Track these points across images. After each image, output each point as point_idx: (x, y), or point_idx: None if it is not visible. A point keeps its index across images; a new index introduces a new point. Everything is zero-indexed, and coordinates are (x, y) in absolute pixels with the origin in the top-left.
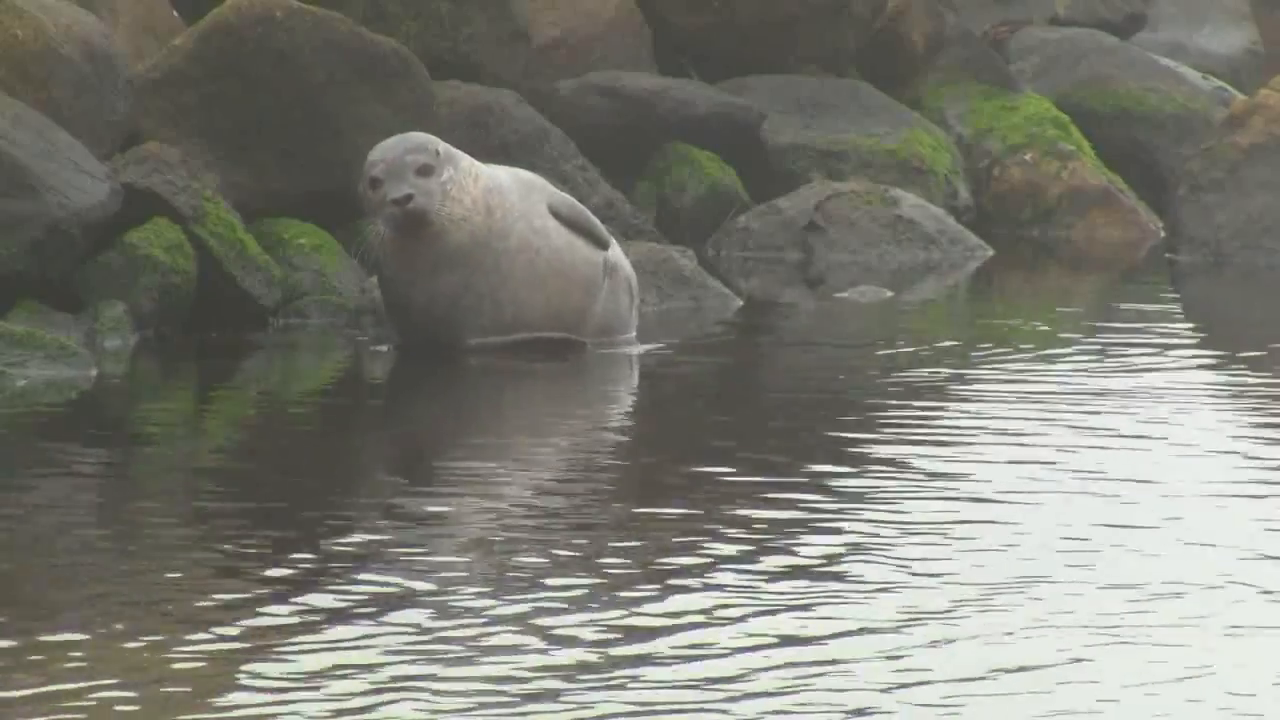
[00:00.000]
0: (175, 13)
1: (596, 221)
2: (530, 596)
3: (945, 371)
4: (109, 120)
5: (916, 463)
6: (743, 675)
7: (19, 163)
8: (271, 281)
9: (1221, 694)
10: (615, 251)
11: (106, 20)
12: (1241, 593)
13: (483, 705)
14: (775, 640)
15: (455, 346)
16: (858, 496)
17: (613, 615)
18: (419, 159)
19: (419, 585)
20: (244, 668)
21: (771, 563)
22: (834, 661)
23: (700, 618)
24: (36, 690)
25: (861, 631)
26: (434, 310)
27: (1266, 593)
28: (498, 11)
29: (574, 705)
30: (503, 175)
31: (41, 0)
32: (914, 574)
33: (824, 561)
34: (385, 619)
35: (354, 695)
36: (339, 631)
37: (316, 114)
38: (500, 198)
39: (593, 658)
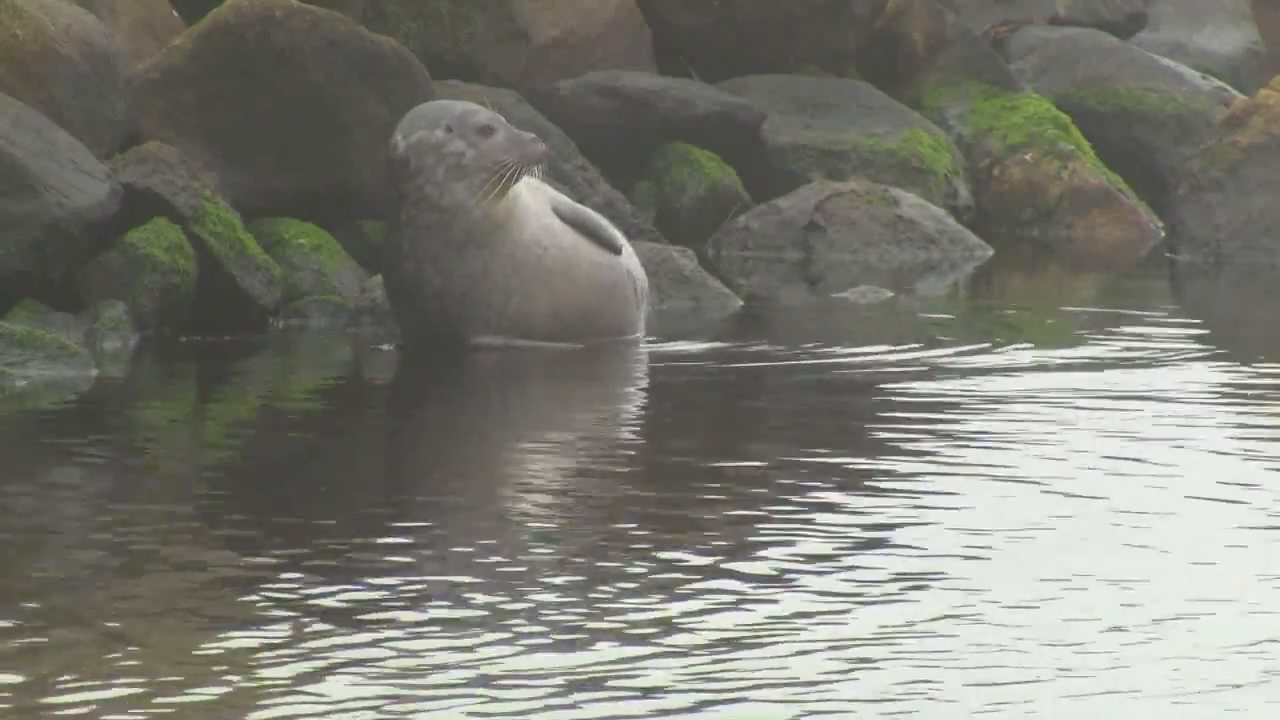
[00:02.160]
0: (175, 13)
1: (604, 223)
2: (540, 599)
3: (945, 371)
4: (109, 120)
5: (917, 462)
6: (759, 674)
7: (19, 163)
8: (271, 281)
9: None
10: (627, 256)
11: (106, 20)
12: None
13: (493, 711)
14: (805, 643)
15: (459, 342)
16: (860, 497)
17: (627, 617)
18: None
19: (422, 586)
20: (246, 668)
21: (785, 563)
22: (854, 662)
23: (721, 619)
24: (37, 690)
25: (880, 630)
26: (446, 299)
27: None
28: (498, 11)
29: (594, 710)
30: None
31: (41, 0)
32: (916, 571)
33: (832, 562)
34: (390, 620)
35: (359, 698)
36: (343, 632)
37: (316, 113)
38: (519, 186)
39: (608, 661)
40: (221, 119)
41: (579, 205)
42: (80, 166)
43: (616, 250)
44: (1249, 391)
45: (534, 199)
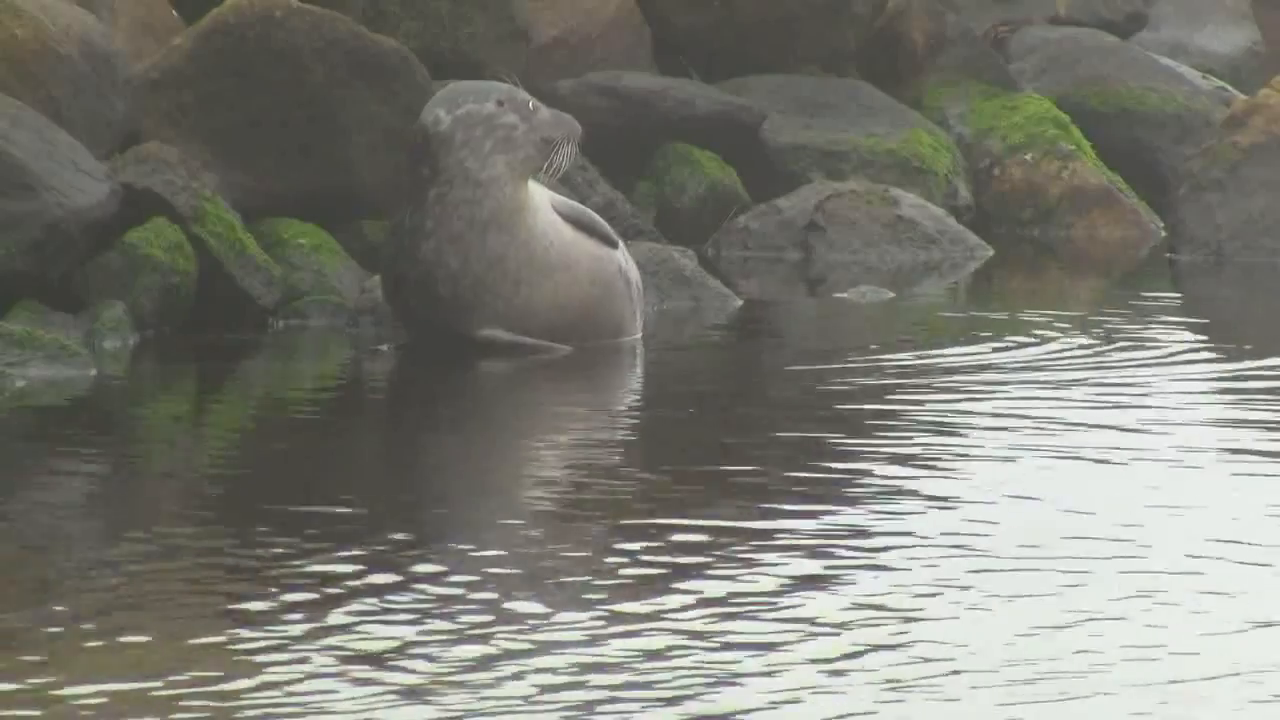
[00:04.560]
0: (175, 13)
1: (600, 220)
2: (544, 599)
3: (946, 372)
4: (109, 120)
5: (915, 465)
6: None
7: (18, 163)
8: (271, 281)
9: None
10: (622, 253)
11: (106, 20)
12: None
13: (492, 716)
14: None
15: (463, 336)
16: (859, 500)
17: (626, 621)
18: None
19: (423, 586)
20: (245, 670)
21: (783, 568)
22: (854, 672)
23: (724, 622)
24: (37, 691)
25: (871, 639)
26: (461, 283)
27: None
28: (498, 11)
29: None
30: None
31: (41, 0)
32: (911, 574)
33: (831, 571)
34: (389, 622)
35: (361, 699)
36: (342, 634)
37: (316, 114)
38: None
39: (610, 662)
40: (221, 119)
41: (573, 203)
42: (80, 166)
43: (613, 244)
44: (1248, 392)
45: (541, 194)
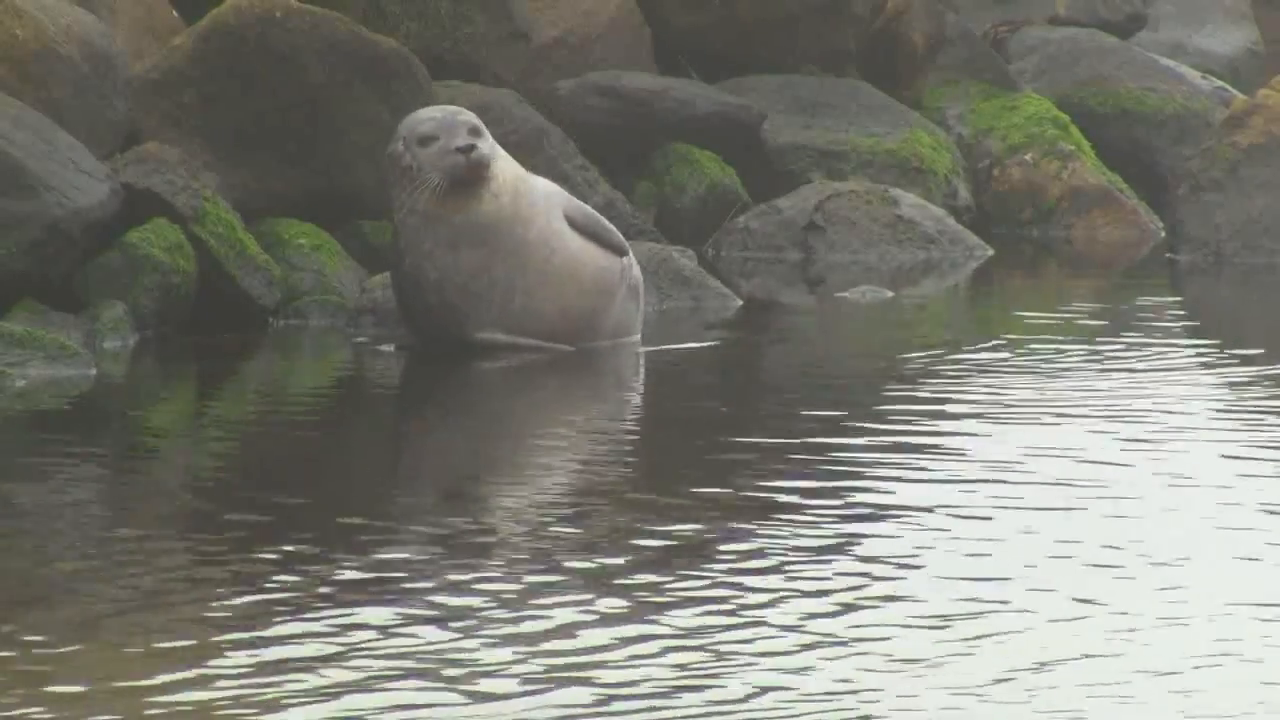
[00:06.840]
0: (175, 13)
1: (613, 229)
2: (545, 599)
3: (945, 373)
4: (109, 120)
5: (916, 466)
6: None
7: (19, 163)
8: (271, 281)
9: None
10: (629, 259)
11: (106, 20)
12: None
13: (492, 711)
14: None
15: (461, 339)
16: (860, 501)
17: (626, 627)
18: (470, 120)
19: (423, 586)
20: (245, 668)
21: (784, 570)
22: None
23: (726, 628)
24: (36, 690)
25: (868, 638)
26: (446, 290)
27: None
28: (498, 11)
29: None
30: (523, 171)
31: (41, 0)
32: (909, 576)
33: (831, 574)
34: (390, 619)
35: (359, 698)
36: (342, 632)
37: (316, 114)
38: (527, 186)
39: (609, 662)
40: (222, 119)
41: (589, 210)
42: (80, 166)
43: (622, 252)
44: (1248, 392)
45: (545, 201)
